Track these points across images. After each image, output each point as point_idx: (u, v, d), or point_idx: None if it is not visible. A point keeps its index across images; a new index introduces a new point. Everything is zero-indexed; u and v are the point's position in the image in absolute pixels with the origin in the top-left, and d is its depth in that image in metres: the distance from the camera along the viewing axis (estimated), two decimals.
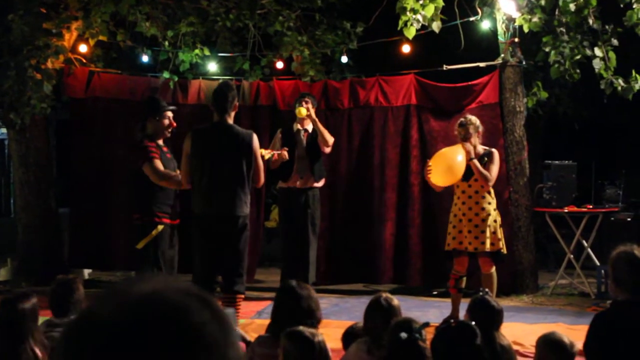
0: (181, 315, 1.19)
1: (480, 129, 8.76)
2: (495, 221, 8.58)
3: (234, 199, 7.29)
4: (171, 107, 8.33)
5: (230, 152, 7.32)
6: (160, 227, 7.76)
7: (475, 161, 8.51)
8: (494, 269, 8.59)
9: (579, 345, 4.71)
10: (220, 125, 7.44)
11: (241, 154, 7.33)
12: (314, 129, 9.69)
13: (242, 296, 7.51)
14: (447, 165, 8.57)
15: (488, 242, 8.50)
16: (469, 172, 8.53)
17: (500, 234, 8.59)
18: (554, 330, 5.13)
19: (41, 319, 5.30)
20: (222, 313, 1.25)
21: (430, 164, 8.65)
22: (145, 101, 8.95)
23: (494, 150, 8.79)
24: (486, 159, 8.64)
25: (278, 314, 4.94)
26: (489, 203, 8.62)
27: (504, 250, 8.67)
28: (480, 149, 8.71)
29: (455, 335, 3.79)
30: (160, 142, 7.97)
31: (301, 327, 4.24)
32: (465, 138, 8.64)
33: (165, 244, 7.80)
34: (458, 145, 8.63)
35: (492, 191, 8.67)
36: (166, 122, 8.03)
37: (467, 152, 8.53)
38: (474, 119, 8.84)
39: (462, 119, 8.87)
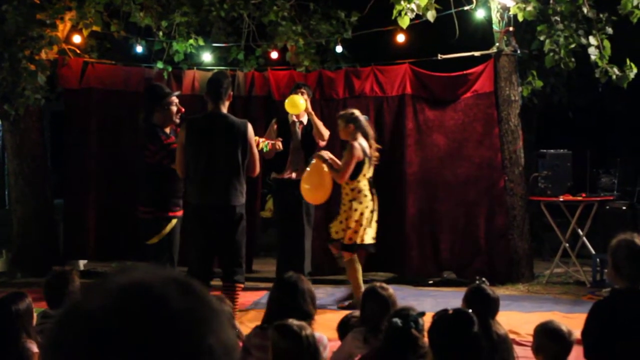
0: (160, 302, 1.20)
1: (351, 126, 8.86)
2: (347, 210, 8.83)
3: (229, 188, 7.26)
4: (175, 92, 8.26)
5: (225, 141, 7.29)
6: (174, 222, 7.72)
7: (329, 161, 8.79)
8: (350, 257, 8.86)
9: (576, 333, 4.72)
10: (214, 114, 7.41)
11: (236, 143, 7.30)
12: (309, 121, 9.66)
13: (242, 286, 7.51)
14: (315, 184, 8.89)
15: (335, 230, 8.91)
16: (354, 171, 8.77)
17: (352, 225, 8.80)
18: (551, 319, 5.14)
19: (38, 311, 5.30)
20: (207, 298, 1.26)
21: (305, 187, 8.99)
22: (146, 90, 8.76)
23: (353, 143, 8.81)
24: (345, 152, 8.92)
25: (273, 306, 4.93)
26: (346, 194, 8.88)
27: (358, 240, 8.83)
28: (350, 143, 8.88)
29: (452, 323, 3.79)
30: (167, 130, 7.88)
31: (290, 320, 4.23)
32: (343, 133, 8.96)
33: (177, 238, 7.77)
34: (316, 162, 8.85)
35: (355, 184, 8.85)
36: (174, 108, 7.89)
37: (321, 157, 8.81)
38: (344, 114, 9.05)
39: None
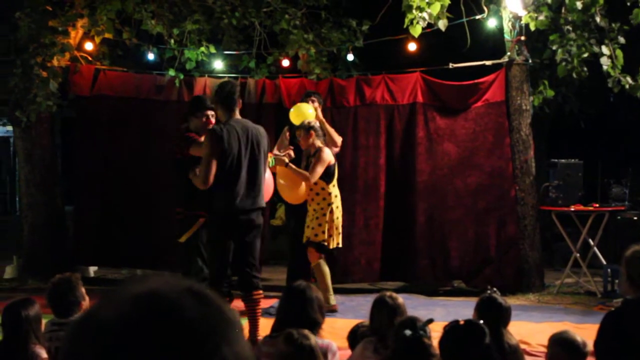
0: (174, 311, 1.20)
1: (314, 131, 9.09)
2: (328, 214, 9.01)
3: (260, 192, 7.35)
4: (212, 106, 8.43)
5: (256, 146, 7.34)
6: (202, 220, 7.99)
7: (291, 165, 8.90)
8: (318, 260, 9.05)
9: (589, 344, 4.69)
10: (237, 121, 7.41)
11: (260, 147, 7.36)
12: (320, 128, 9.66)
13: (262, 292, 7.54)
14: (287, 186, 9.07)
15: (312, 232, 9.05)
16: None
17: (324, 226, 8.98)
18: (566, 329, 5.11)
19: (48, 317, 5.30)
20: (222, 309, 1.26)
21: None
22: (191, 100, 9.12)
23: (322, 147, 9.04)
24: (314, 158, 9.06)
25: (282, 314, 4.92)
26: (324, 198, 9.03)
27: (329, 243, 9.02)
28: (317, 148, 9.08)
29: (464, 334, 3.77)
30: (202, 139, 8.02)
31: (293, 330, 4.24)
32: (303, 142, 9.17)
33: (204, 236, 7.97)
34: (279, 168, 9.03)
35: (331, 189, 9.07)
36: (204, 119, 8.19)
37: (281, 161, 8.89)
38: (305, 122, 9.21)
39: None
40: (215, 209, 7.39)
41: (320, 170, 8.90)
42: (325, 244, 8.94)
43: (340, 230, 9.07)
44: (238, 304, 7.71)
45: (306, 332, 4.29)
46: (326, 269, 9.05)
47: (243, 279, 7.45)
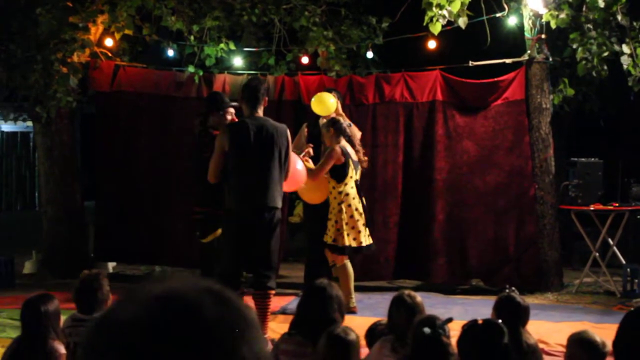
0: (194, 311, 1.21)
1: (331, 130, 8.97)
2: (336, 213, 8.93)
3: (272, 191, 7.32)
4: (234, 104, 8.43)
5: (272, 145, 7.34)
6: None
7: (309, 162, 8.95)
8: (342, 262, 8.97)
9: (609, 344, 4.67)
10: (255, 118, 7.43)
11: (278, 146, 7.36)
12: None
13: (274, 292, 7.53)
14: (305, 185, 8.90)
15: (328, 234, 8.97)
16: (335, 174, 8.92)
17: (334, 226, 8.92)
18: (585, 329, 5.08)
19: (66, 313, 5.33)
20: (241, 309, 1.27)
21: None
22: (208, 96, 9.13)
23: (334, 146, 8.95)
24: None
25: (303, 312, 4.91)
26: (334, 198, 8.98)
27: (339, 243, 8.90)
28: (328, 146, 9.08)
29: (482, 334, 3.76)
30: None
31: (338, 330, 4.29)
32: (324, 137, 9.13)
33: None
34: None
35: (342, 187, 8.93)
36: (229, 117, 8.25)
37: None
38: (325, 121, 9.23)
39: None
40: (225, 205, 7.44)
41: (323, 168, 8.84)
42: (336, 243, 8.89)
43: (357, 228, 8.90)
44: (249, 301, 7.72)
45: (348, 328, 4.35)
46: (349, 271, 8.98)
47: (254, 277, 7.49)
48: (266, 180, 7.31)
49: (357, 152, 9.08)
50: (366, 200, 10.36)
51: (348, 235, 8.86)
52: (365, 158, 9.21)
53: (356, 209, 8.93)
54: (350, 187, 8.94)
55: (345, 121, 9.18)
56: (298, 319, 4.89)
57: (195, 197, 8.47)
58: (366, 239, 9.01)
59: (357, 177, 9.04)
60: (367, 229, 9.04)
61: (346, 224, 8.86)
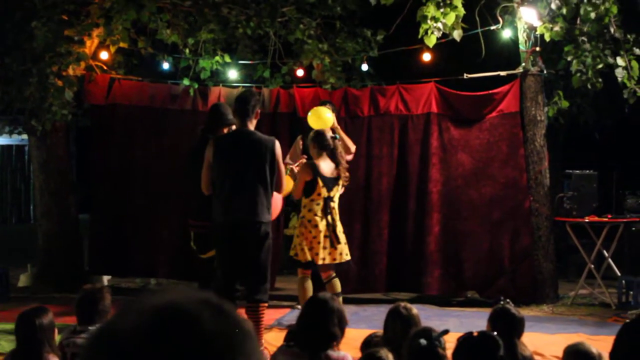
0: (193, 323, 1.21)
1: (313, 142, 8.85)
2: (299, 227, 8.84)
3: (257, 204, 7.26)
4: (234, 121, 8.35)
5: (252, 158, 7.31)
6: None
7: (293, 170, 9.02)
8: (301, 274, 8.89)
9: (605, 356, 4.67)
10: (242, 132, 7.44)
11: (263, 159, 7.32)
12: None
13: (266, 305, 7.51)
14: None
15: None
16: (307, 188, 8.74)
17: (296, 241, 8.82)
18: (581, 340, 5.09)
19: (63, 326, 5.32)
20: (240, 322, 1.28)
21: None
22: (210, 110, 8.88)
23: (305, 162, 8.95)
24: None
25: (303, 324, 4.88)
26: (300, 211, 8.94)
27: (300, 258, 8.75)
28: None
29: (478, 346, 3.76)
30: None
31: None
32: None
33: None
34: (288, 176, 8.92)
35: (306, 202, 8.76)
36: (225, 131, 8.18)
37: (291, 170, 9.00)
38: (312, 133, 9.01)
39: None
40: (212, 219, 7.44)
41: (298, 186, 8.73)
42: (297, 258, 8.74)
43: (314, 244, 8.63)
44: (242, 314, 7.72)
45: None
46: (305, 285, 8.80)
47: (246, 290, 7.49)
48: (247, 194, 7.27)
49: (337, 166, 8.77)
50: (361, 212, 10.37)
51: (309, 250, 8.65)
52: (347, 174, 8.85)
53: (315, 226, 8.64)
54: (315, 203, 8.67)
55: (328, 133, 8.93)
56: (296, 331, 4.86)
57: (192, 210, 8.44)
58: (327, 257, 8.70)
59: (334, 193, 8.76)
60: (336, 247, 8.71)
61: (305, 238, 8.68)
